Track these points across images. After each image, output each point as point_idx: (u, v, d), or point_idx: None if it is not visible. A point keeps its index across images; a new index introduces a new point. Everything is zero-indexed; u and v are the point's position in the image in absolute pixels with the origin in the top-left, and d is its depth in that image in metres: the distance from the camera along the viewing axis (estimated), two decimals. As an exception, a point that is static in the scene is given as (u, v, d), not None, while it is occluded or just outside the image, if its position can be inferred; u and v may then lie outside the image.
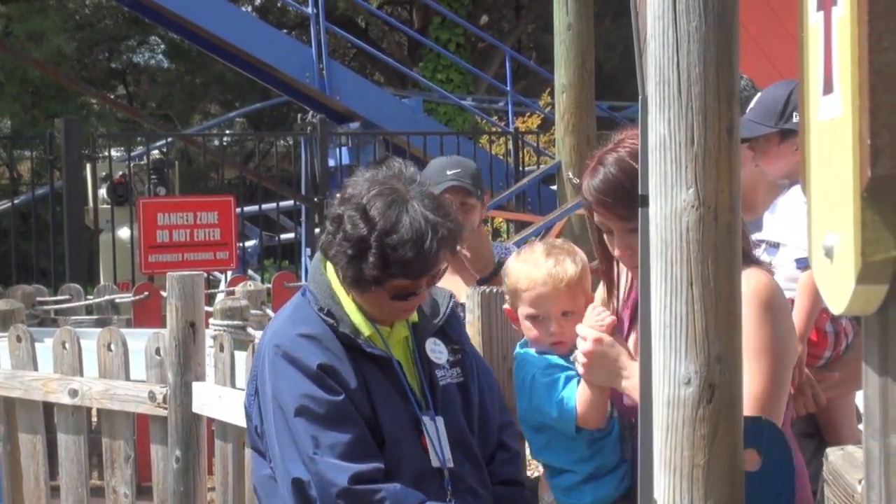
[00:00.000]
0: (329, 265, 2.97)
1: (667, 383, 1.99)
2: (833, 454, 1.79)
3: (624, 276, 2.93)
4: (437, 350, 3.00)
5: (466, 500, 2.94)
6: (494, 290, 3.34)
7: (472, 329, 3.33)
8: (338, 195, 2.91)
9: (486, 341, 3.33)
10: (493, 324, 3.34)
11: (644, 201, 2.11)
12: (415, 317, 2.99)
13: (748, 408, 2.57)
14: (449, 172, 4.17)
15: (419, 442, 2.92)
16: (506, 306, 3.05)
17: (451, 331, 3.07)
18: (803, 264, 3.36)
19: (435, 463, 2.91)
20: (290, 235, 15.80)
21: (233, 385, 4.83)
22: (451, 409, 2.99)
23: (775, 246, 3.41)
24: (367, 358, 2.90)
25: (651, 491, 2.08)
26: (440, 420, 2.95)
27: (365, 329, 2.91)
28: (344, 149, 14.17)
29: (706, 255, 1.98)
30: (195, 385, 4.98)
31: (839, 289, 1.42)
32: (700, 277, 1.98)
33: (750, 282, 2.61)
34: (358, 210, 2.82)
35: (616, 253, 2.80)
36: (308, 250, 14.15)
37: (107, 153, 13.14)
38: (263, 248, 16.00)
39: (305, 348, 2.88)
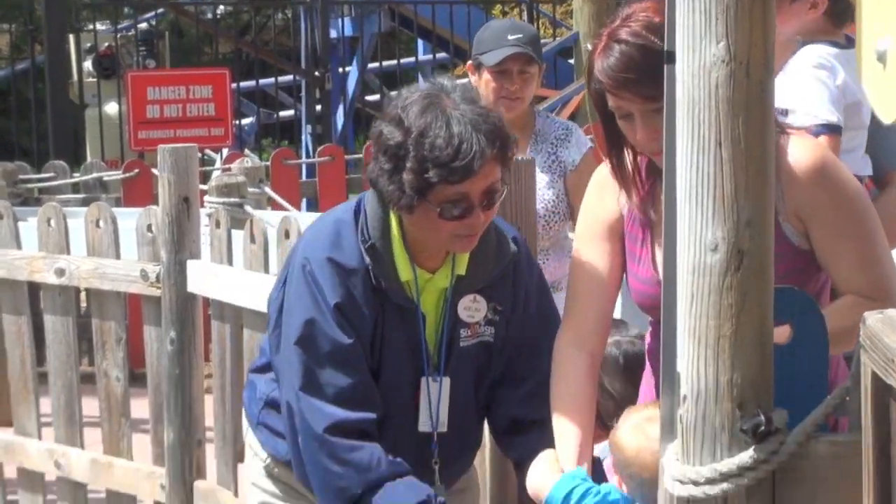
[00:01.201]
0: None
1: (692, 249, 1.98)
2: (871, 318, 1.79)
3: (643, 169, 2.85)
4: (472, 308, 2.92)
5: (452, 467, 2.96)
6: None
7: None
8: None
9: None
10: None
11: (670, 57, 2.08)
12: (462, 268, 2.91)
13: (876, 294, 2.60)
14: (510, 37, 4.11)
15: (414, 399, 2.92)
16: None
17: (500, 291, 2.96)
18: (816, 132, 3.35)
19: (423, 427, 2.92)
20: (290, 113, 15.75)
21: (230, 263, 4.85)
22: (464, 372, 2.95)
23: (783, 113, 3.37)
24: (393, 303, 2.88)
25: (674, 363, 2.09)
26: (446, 381, 2.93)
27: (404, 273, 2.85)
28: (346, 19, 14.05)
29: (737, 113, 1.96)
30: (190, 263, 4.99)
31: (893, 95, 1.39)
32: (730, 137, 1.96)
33: (800, 152, 2.60)
34: (393, 121, 2.77)
35: (638, 137, 2.72)
36: (308, 127, 14.11)
37: (91, 24, 13.03)
38: (261, 126, 15.96)
39: (330, 279, 2.82)
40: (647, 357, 2.99)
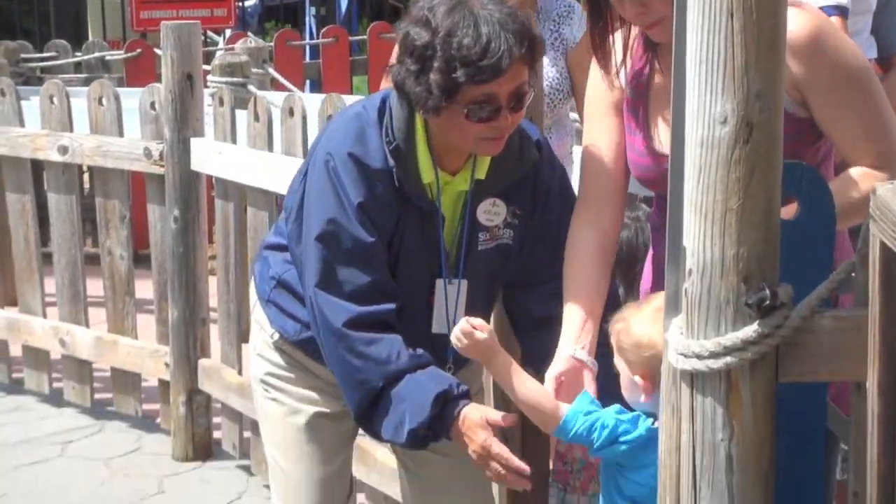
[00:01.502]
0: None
1: (701, 122, 1.96)
2: (882, 188, 1.77)
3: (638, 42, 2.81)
4: (492, 211, 2.90)
5: (467, 369, 2.96)
6: None
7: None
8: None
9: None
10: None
11: (683, -74, 2.05)
12: (482, 173, 2.87)
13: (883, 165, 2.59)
14: None
15: (429, 302, 2.92)
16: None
17: (520, 195, 2.93)
18: (829, 13, 3.30)
19: (437, 328, 2.91)
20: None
21: (233, 141, 4.84)
22: (479, 275, 2.94)
23: None
24: (413, 205, 2.85)
25: (680, 238, 2.09)
26: (464, 283, 2.92)
27: (426, 175, 2.82)
28: None
29: (749, -17, 1.93)
30: (193, 141, 4.98)
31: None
32: (742, 8, 1.93)
33: (798, 21, 2.56)
34: (419, 22, 2.72)
35: (627, 13, 2.68)
36: (312, 9, 13.98)
37: None
38: (264, 8, 15.80)
39: (353, 177, 2.79)
40: (650, 233, 2.99)
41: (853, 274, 2.07)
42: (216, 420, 5.30)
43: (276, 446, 3.07)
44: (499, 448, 2.68)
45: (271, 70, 8.87)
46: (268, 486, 4.84)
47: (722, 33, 1.94)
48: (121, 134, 5.37)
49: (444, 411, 2.72)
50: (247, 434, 5.02)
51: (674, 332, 2.08)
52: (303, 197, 2.89)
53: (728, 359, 1.99)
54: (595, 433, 2.60)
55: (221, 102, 4.87)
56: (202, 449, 5.26)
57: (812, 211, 2.16)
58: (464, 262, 2.89)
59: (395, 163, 2.79)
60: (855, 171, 2.62)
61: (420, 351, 2.78)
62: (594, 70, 2.92)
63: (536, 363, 2.90)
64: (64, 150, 5.42)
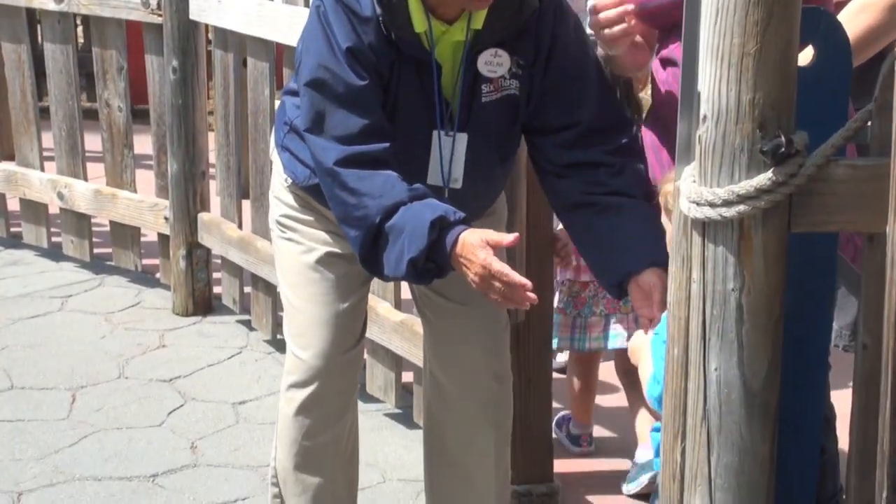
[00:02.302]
0: None
1: (719, -37, 1.92)
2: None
3: None
4: (494, 62, 2.81)
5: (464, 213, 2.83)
6: None
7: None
8: None
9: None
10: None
11: None
12: (478, 23, 2.78)
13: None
14: None
15: (427, 155, 2.86)
16: None
17: (523, 45, 2.83)
18: None
19: (431, 179, 2.85)
20: None
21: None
22: (485, 128, 2.86)
23: None
24: (406, 55, 2.79)
25: (694, 83, 2.05)
26: (462, 137, 2.85)
27: (418, 24, 2.74)
28: None
29: None
30: (194, -9, 4.90)
31: None
32: None
33: None
34: None
35: None
36: None
37: None
38: None
39: (342, 23, 2.74)
40: (652, 78, 2.96)
41: (870, 123, 2.05)
42: (216, 275, 5.30)
43: (289, 285, 3.06)
44: (499, 266, 2.61)
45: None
46: (268, 341, 4.92)
47: None
48: (113, -20, 5.28)
49: (441, 237, 2.66)
50: (247, 289, 5.02)
51: (686, 181, 2.06)
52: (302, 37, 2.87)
53: (741, 207, 1.97)
54: None
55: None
56: (202, 303, 5.27)
57: (829, 59, 2.12)
58: (464, 115, 2.84)
59: (382, 11, 2.73)
60: (853, 5, 2.58)
61: (417, 185, 2.74)
62: None
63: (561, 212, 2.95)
64: (60, -2, 5.34)
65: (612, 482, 3.84)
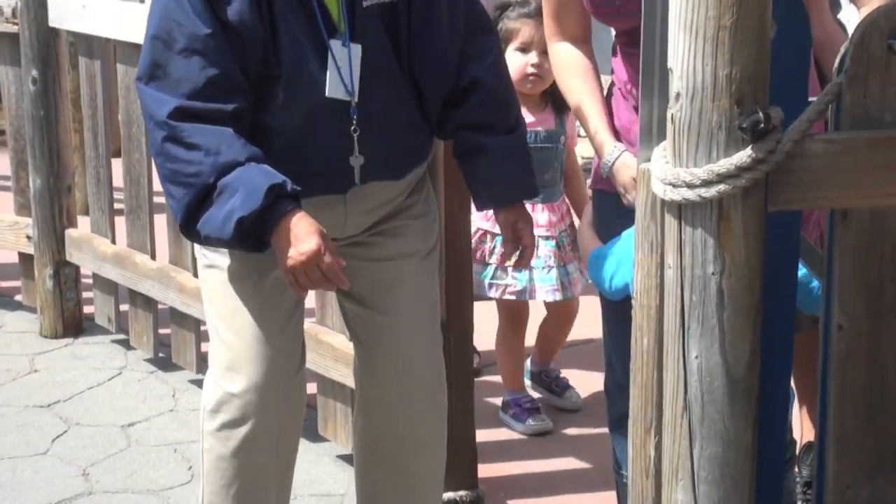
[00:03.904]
0: None
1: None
2: None
3: None
4: None
5: (374, 136, 2.79)
6: None
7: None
8: None
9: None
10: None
11: None
12: None
13: None
14: None
15: (324, 71, 2.75)
16: None
17: None
18: None
19: (331, 92, 2.74)
20: None
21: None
22: (374, 34, 2.79)
23: None
24: None
25: (653, 63, 1.99)
26: (356, 47, 2.76)
27: None
28: None
29: None
30: (51, -4, 4.69)
31: None
32: None
33: None
34: None
35: None
36: None
37: None
38: None
39: None
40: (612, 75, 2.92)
41: (841, 92, 2.00)
42: (86, 294, 5.09)
43: (218, 315, 2.88)
44: (331, 258, 2.60)
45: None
46: (150, 360, 4.73)
47: None
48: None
49: (276, 205, 2.59)
50: (123, 307, 4.82)
51: (658, 161, 1.99)
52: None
53: (721, 186, 1.91)
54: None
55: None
56: (73, 324, 5.06)
57: (790, 31, 2.07)
58: (349, 24, 2.75)
59: None
60: None
61: (255, 148, 2.65)
62: None
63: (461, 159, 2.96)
64: None
65: (540, 486, 3.78)
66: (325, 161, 2.77)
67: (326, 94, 2.73)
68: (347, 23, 2.75)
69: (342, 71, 2.75)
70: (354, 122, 2.77)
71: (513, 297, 4.07)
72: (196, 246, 2.95)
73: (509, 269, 4.01)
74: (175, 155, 2.62)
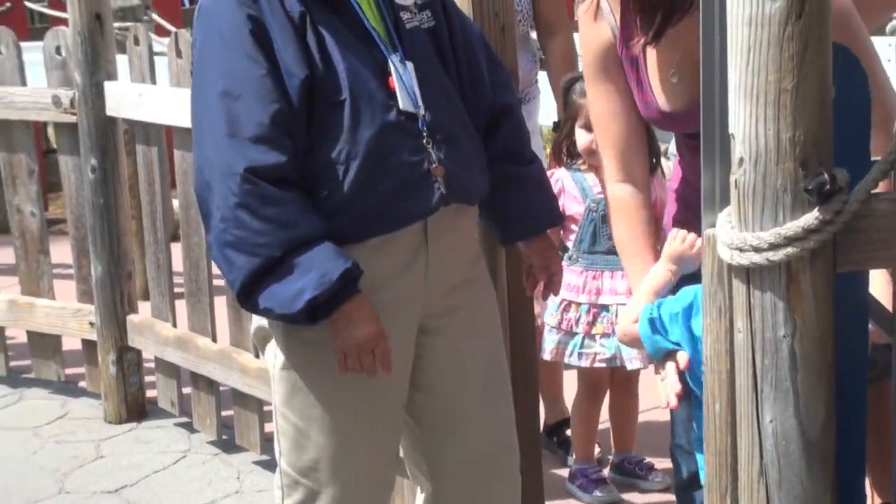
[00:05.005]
0: None
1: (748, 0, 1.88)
2: None
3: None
4: None
5: (446, 148, 2.81)
6: None
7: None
8: None
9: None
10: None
11: None
12: None
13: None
14: None
15: (386, 87, 2.76)
16: None
17: None
18: None
19: (404, 105, 2.76)
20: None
21: (153, 81, 4.64)
22: (422, 54, 2.85)
23: None
24: (321, 10, 2.72)
25: (713, 132, 2.00)
26: (409, 65, 2.81)
27: None
28: None
29: None
30: (108, 85, 4.77)
31: None
32: None
33: None
34: None
35: None
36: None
37: None
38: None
39: (230, 17, 2.68)
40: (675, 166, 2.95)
41: (904, 154, 2.01)
42: (148, 378, 5.12)
43: (299, 414, 2.84)
44: (387, 344, 2.68)
45: (156, 16, 8.67)
46: (213, 442, 4.75)
47: None
48: (23, 83, 5.13)
49: (346, 287, 2.62)
50: (186, 390, 4.85)
51: (723, 226, 1.99)
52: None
53: (789, 249, 1.90)
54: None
55: (137, 42, 4.65)
56: (136, 409, 5.09)
57: (849, 93, 2.08)
58: (399, 42, 2.82)
59: None
60: None
61: (321, 220, 2.66)
62: (583, 25, 2.85)
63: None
64: (-39, 103, 5.16)
65: None
66: (405, 177, 2.75)
67: (400, 106, 2.76)
68: (397, 41, 2.83)
69: (407, 85, 2.79)
70: (425, 134, 2.79)
71: (603, 365, 4.06)
72: (278, 345, 2.88)
73: (597, 337, 4.02)
74: (245, 223, 2.61)
